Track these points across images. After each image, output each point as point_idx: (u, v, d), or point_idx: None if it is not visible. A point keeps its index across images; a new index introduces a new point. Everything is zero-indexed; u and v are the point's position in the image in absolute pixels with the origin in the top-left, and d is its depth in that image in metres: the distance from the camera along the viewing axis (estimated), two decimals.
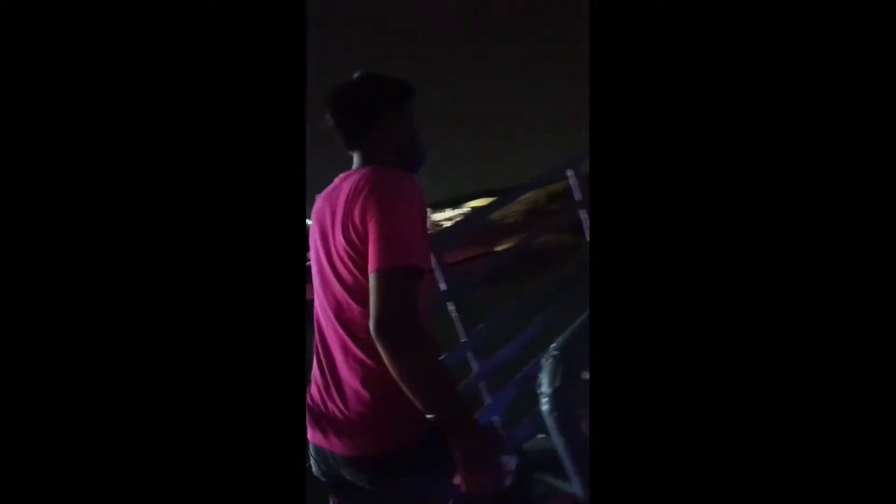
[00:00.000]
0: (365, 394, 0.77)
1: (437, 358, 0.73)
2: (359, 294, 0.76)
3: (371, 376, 0.76)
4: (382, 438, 0.77)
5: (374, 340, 0.69)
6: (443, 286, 1.51)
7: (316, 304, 0.86)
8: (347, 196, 0.78)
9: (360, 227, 0.75)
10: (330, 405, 0.80)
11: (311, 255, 0.86)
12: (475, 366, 1.53)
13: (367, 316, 0.71)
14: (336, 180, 0.87)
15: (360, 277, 0.76)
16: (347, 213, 0.77)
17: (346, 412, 0.78)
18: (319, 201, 0.89)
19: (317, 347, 0.85)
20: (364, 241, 0.74)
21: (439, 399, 0.70)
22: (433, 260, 1.33)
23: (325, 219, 0.83)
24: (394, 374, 0.69)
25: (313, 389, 0.85)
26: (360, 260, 0.76)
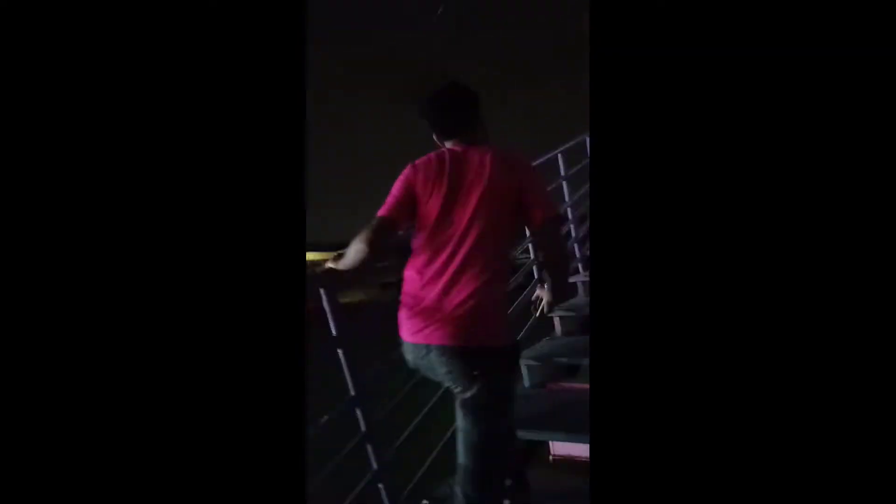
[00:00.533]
0: (481, 299, 1.05)
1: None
2: (494, 228, 1.08)
3: (487, 287, 1.06)
4: (484, 334, 1.07)
5: (559, 258, 1.14)
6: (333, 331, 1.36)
7: (439, 230, 1.12)
8: (493, 162, 1.10)
9: (513, 187, 1.09)
10: (446, 303, 1.06)
11: (429, 199, 1.13)
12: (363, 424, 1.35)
13: (496, 243, 1.09)
14: (454, 152, 1.16)
15: (499, 217, 1.09)
16: (496, 177, 1.09)
17: (461, 310, 1.05)
18: (433, 163, 1.16)
19: (443, 261, 1.09)
20: (513, 195, 1.09)
21: (564, 281, 1.21)
22: None
23: (461, 175, 1.12)
24: (558, 272, 1.15)
25: (428, 296, 1.09)
26: (504, 207, 1.09)
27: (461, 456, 1.13)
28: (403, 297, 1.15)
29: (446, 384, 1.14)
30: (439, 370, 1.09)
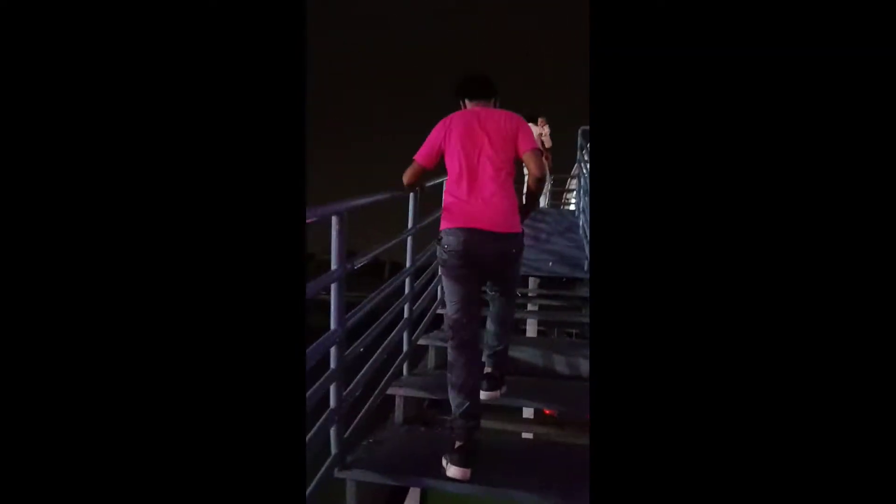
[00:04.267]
0: (503, 203, 1.63)
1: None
2: (506, 160, 1.65)
3: (507, 196, 1.65)
4: (508, 224, 1.64)
5: (539, 176, 1.71)
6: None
7: (469, 158, 1.66)
8: (502, 119, 1.67)
9: (514, 133, 1.66)
10: (483, 212, 1.62)
11: (462, 138, 1.66)
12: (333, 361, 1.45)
13: (506, 168, 1.66)
14: (477, 109, 1.72)
15: (508, 151, 1.65)
16: (506, 127, 1.66)
17: (494, 213, 1.62)
18: (466, 116, 1.70)
19: (473, 180, 1.65)
20: (514, 138, 1.66)
21: (538, 197, 1.91)
22: None
23: (477, 122, 1.68)
24: (537, 190, 1.78)
25: (474, 204, 1.64)
26: (511, 144, 1.65)
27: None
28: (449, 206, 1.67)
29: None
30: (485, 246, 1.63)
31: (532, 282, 4.28)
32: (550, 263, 4.17)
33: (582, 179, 5.13)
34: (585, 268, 3.98)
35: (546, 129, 6.10)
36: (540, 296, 4.43)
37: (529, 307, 4.23)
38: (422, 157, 1.73)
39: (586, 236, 4.08)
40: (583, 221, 4.57)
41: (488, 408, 1.89)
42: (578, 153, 5.42)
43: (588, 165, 4.84)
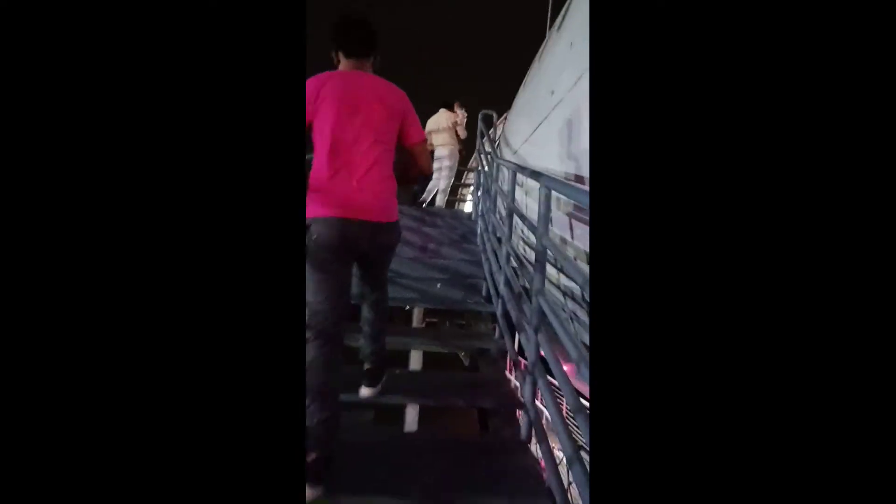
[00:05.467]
0: (380, 186, 1.45)
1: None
2: (386, 139, 1.46)
3: (386, 177, 1.47)
4: (388, 212, 1.49)
5: (423, 166, 1.58)
6: None
7: (344, 133, 1.42)
8: (389, 94, 1.47)
9: (401, 116, 1.50)
10: (359, 196, 1.41)
11: (338, 108, 1.41)
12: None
13: (387, 152, 1.47)
14: (355, 74, 1.47)
15: (391, 131, 1.47)
16: (392, 105, 1.47)
17: (372, 199, 1.43)
18: (345, 80, 1.44)
19: (349, 161, 1.42)
20: (400, 121, 1.50)
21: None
22: None
23: (355, 91, 1.43)
24: (416, 181, 1.82)
25: (350, 191, 1.41)
26: (394, 124, 1.48)
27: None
28: (314, 185, 1.42)
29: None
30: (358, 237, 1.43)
31: (417, 311, 3.16)
32: (439, 285, 3.10)
33: (481, 175, 4.13)
34: (484, 291, 2.99)
35: (462, 116, 5.12)
36: (428, 325, 3.39)
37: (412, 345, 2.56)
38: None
39: (487, 249, 3.07)
40: (480, 228, 3.56)
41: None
42: (478, 141, 4.42)
43: (486, 157, 3.85)
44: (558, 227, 2.35)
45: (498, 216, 3.30)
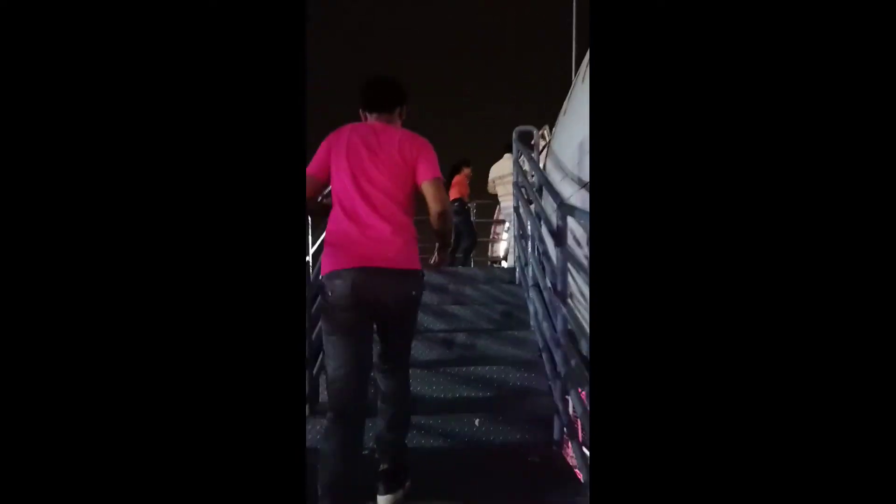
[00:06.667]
0: (395, 236, 1.36)
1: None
2: (401, 188, 1.40)
3: (401, 228, 1.38)
4: (404, 258, 1.37)
5: (441, 210, 1.40)
6: None
7: (357, 186, 1.39)
8: (403, 141, 1.41)
9: (414, 159, 1.41)
10: (373, 246, 1.35)
11: (350, 160, 1.39)
12: None
13: (400, 200, 1.39)
14: (375, 125, 1.47)
15: (405, 179, 1.41)
16: (405, 151, 1.41)
17: (386, 246, 1.35)
18: (361, 131, 1.44)
19: (361, 212, 1.37)
20: (414, 164, 1.41)
21: (448, 238, 1.50)
22: None
23: (368, 143, 1.41)
24: (442, 225, 1.41)
25: (362, 240, 1.35)
26: (409, 170, 1.41)
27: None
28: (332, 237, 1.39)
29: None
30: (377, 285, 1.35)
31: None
32: (477, 422, 1.87)
33: (520, 209, 2.84)
34: (563, 411, 1.73)
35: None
36: None
37: None
38: (313, 167, 1.42)
39: (546, 330, 1.83)
40: (533, 292, 2.28)
41: None
42: (514, 169, 3.18)
43: (528, 190, 2.55)
44: None
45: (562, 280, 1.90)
